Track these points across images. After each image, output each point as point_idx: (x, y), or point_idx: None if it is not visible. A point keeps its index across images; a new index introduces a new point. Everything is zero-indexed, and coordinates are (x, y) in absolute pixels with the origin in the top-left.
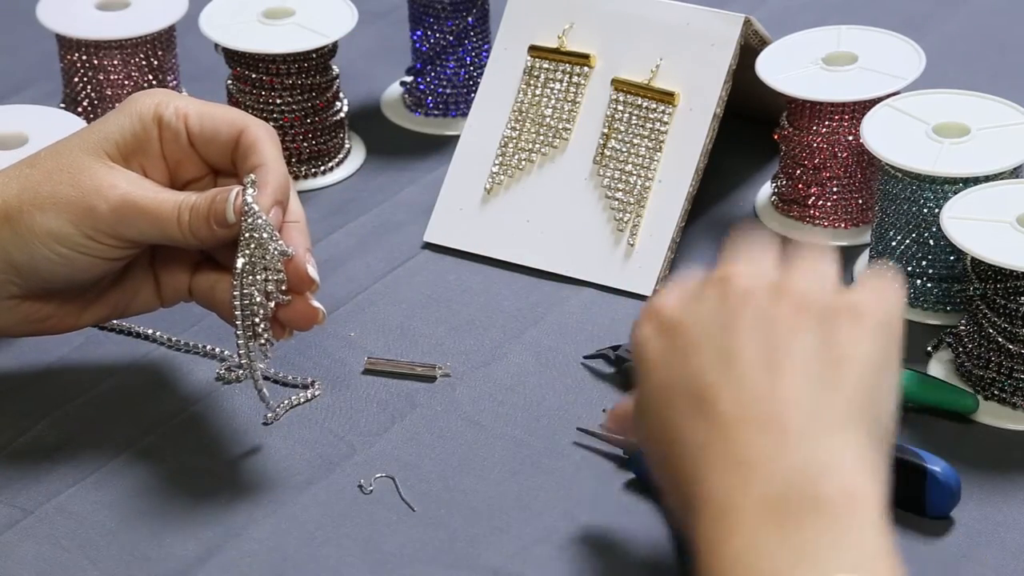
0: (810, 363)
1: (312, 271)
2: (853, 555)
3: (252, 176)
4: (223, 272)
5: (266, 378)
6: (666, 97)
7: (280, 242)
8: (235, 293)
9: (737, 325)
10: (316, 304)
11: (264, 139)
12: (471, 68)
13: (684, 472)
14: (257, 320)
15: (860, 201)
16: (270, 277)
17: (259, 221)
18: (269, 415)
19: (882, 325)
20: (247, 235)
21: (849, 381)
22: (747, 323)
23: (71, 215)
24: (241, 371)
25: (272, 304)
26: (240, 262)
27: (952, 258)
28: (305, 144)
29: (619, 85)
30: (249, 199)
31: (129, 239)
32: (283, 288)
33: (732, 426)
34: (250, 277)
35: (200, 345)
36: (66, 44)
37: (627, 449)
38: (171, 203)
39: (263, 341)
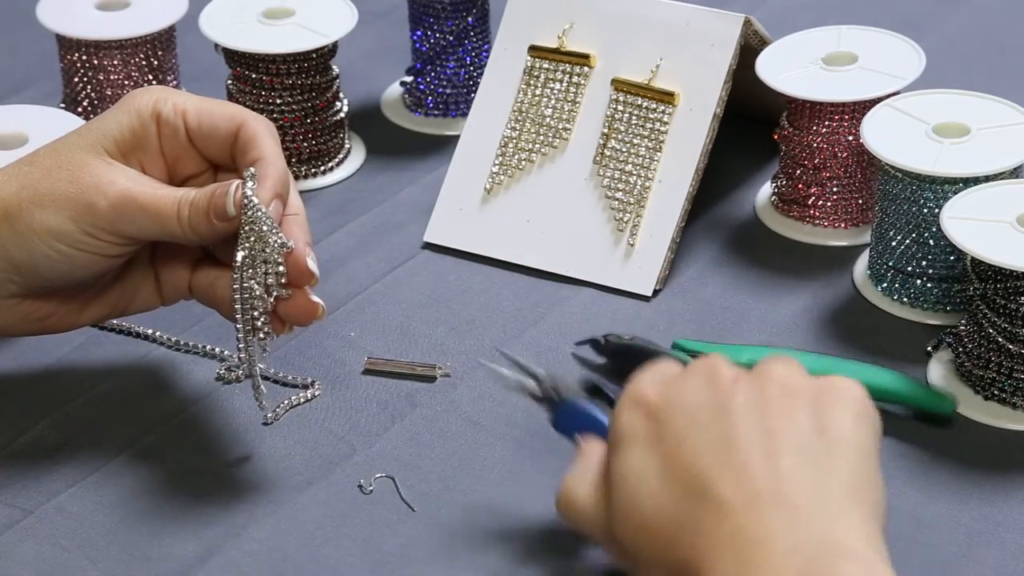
0: (807, 445)
1: (312, 264)
2: None
3: (252, 170)
4: (223, 269)
5: (266, 378)
6: (666, 97)
7: (280, 235)
8: (235, 287)
9: (730, 410)
10: (316, 299)
11: (263, 133)
12: (471, 68)
13: (683, 559)
14: (256, 314)
15: (860, 201)
16: (270, 270)
17: (259, 214)
18: (269, 415)
19: (864, 409)
20: (247, 228)
21: (846, 464)
22: (740, 408)
23: (70, 212)
24: (240, 370)
25: (272, 298)
26: (240, 255)
27: (952, 258)
28: (305, 144)
29: (619, 85)
30: (248, 192)
31: (128, 235)
32: (283, 281)
33: (739, 510)
34: (250, 271)
35: (200, 345)
36: (66, 44)
37: (553, 410)
38: (170, 199)
39: (262, 335)
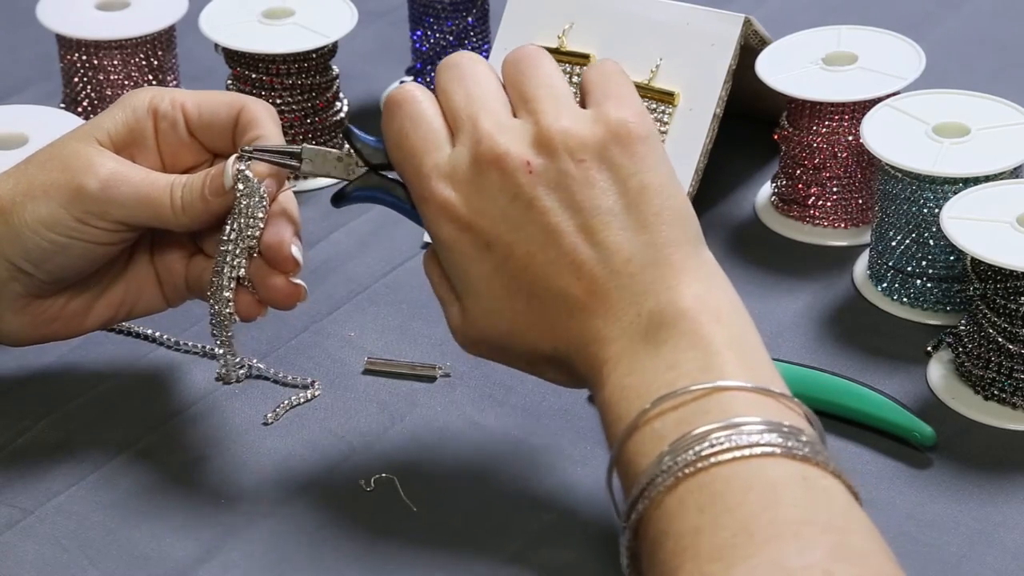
0: (615, 205)
1: (296, 252)
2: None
3: (247, 146)
4: (212, 260)
5: (265, 378)
6: (666, 97)
7: (265, 205)
8: (217, 258)
9: (535, 204)
10: (298, 281)
11: (263, 114)
12: None
13: (550, 353)
14: (226, 281)
15: (860, 201)
16: (244, 242)
17: (252, 183)
18: (269, 415)
19: (643, 138)
20: (239, 200)
21: (656, 204)
22: (543, 197)
23: (61, 198)
24: (219, 344)
25: (241, 269)
26: (227, 228)
27: (952, 258)
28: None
29: None
30: (242, 166)
31: (119, 220)
32: (254, 255)
33: (584, 302)
34: (230, 245)
35: (200, 345)
36: (66, 44)
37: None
38: (163, 181)
39: (230, 311)
